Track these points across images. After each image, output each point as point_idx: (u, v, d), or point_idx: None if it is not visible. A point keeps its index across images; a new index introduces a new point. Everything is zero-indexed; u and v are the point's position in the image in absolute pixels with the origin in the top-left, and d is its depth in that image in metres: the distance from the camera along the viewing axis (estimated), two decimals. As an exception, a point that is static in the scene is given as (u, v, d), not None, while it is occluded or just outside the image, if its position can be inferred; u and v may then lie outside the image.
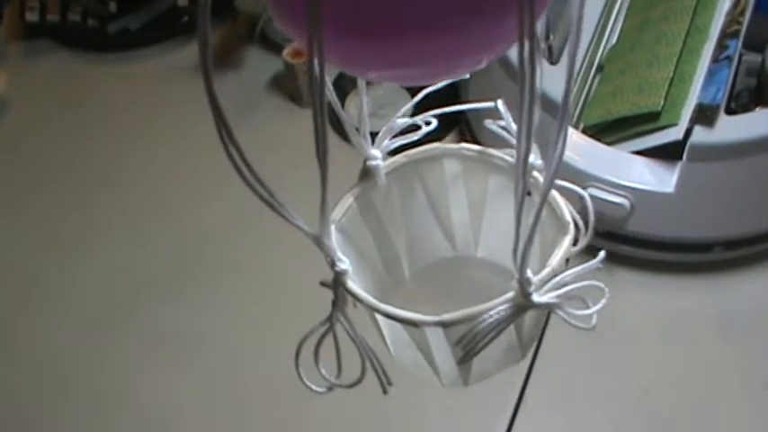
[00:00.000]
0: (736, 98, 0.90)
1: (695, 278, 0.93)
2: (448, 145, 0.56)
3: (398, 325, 0.48)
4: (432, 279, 0.61)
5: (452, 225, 0.60)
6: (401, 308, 0.47)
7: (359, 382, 0.52)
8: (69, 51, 1.24)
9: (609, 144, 0.90)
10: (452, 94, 1.01)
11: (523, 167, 0.39)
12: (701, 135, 0.85)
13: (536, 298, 0.45)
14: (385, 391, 0.53)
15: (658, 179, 0.88)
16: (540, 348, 0.88)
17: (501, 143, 0.55)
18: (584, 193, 0.54)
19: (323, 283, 0.49)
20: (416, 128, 0.55)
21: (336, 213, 0.53)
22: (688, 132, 0.85)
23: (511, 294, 0.46)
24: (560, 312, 0.47)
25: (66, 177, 1.09)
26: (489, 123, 0.54)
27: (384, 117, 0.60)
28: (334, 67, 0.38)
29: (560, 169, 0.40)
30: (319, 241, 0.45)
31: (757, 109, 0.89)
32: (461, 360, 0.49)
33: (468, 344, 0.46)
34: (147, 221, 1.03)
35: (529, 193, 0.52)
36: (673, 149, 0.86)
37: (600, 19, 1.00)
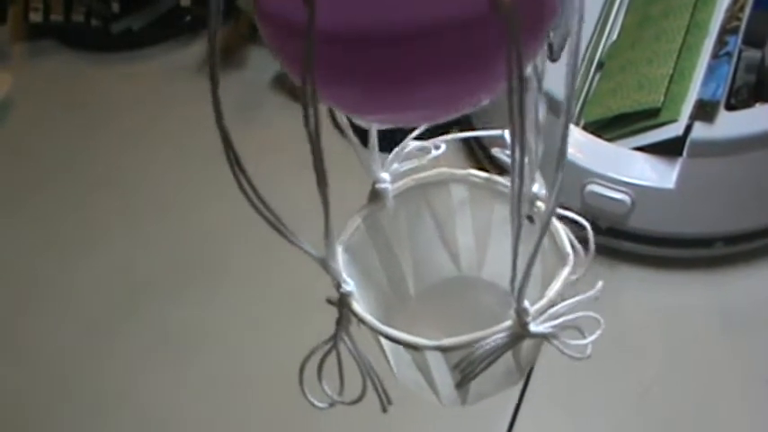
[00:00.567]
0: (735, 94, 0.90)
1: (696, 273, 0.93)
2: (455, 170, 0.57)
3: (400, 346, 0.50)
4: (436, 299, 0.62)
5: (458, 248, 0.61)
6: (405, 327, 0.49)
7: (359, 399, 0.54)
8: (73, 51, 1.25)
9: (609, 141, 0.90)
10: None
11: (518, 207, 0.41)
12: (701, 131, 0.86)
13: (533, 328, 0.47)
14: (384, 410, 0.55)
15: (659, 175, 0.88)
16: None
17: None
18: (587, 224, 0.55)
19: (329, 301, 0.51)
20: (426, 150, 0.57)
21: (344, 234, 0.54)
22: (688, 128, 0.86)
23: (508, 323, 0.47)
24: (555, 342, 0.48)
25: (69, 177, 1.09)
26: (497, 152, 0.55)
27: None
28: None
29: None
30: (325, 264, 0.47)
31: (757, 105, 0.89)
32: (459, 383, 0.50)
33: (466, 368, 0.48)
34: (149, 221, 1.04)
35: (531, 220, 0.54)
36: (673, 145, 0.87)
37: (600, 15, 1.00)
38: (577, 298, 0.49)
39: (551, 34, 1.03)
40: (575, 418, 0.85)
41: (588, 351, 0.50)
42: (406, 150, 0.56)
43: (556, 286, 0.49)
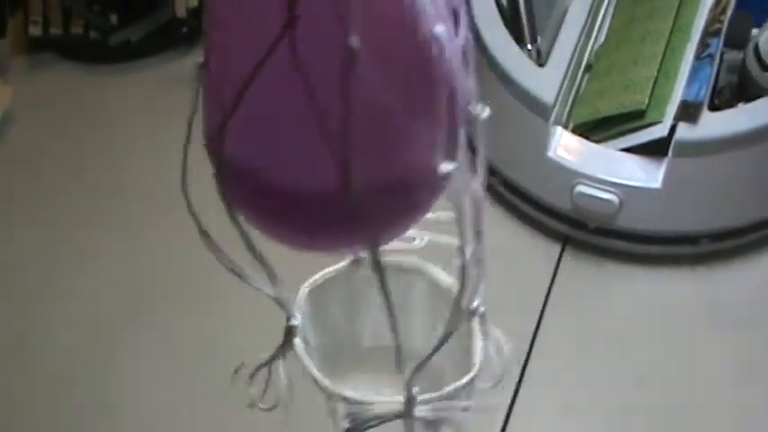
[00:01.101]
0: (718, 95, 0.92)
1: (683, 270, 0.95)
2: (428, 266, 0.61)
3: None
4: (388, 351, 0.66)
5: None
6: (353, 366, 0.58)
7: (274, 407, 0.62)
8: (72, 64, 1.26)
9: (597, 142, 0.92)
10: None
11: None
12: (685, 131, 0.88)
13: (417, 412, 0.52)
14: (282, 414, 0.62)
15: (646, 175, 0.90)
16: (534, 342, 0.90)
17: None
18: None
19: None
20: None
21: (316, 276, 0.61)
22: (673, 129, 0.88)
23: (399, 399, 0.52)
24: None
25: (70, 187, 1.10)
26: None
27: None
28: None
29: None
30: (279, 301, 0.55)
31: (739, 105, 0.91)
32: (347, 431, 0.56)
33: (355, 421, 0.54)
34: (149, 228, 1.05)
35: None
36: (659, 146, 0.89)
37: (588, 17, 1.01)
38: (464, 403, 0.54)
39: (539, 39, 1.04)
40: (568, 411, 0.87)
41: None
42: None
43: (450, 388, 0.53)
